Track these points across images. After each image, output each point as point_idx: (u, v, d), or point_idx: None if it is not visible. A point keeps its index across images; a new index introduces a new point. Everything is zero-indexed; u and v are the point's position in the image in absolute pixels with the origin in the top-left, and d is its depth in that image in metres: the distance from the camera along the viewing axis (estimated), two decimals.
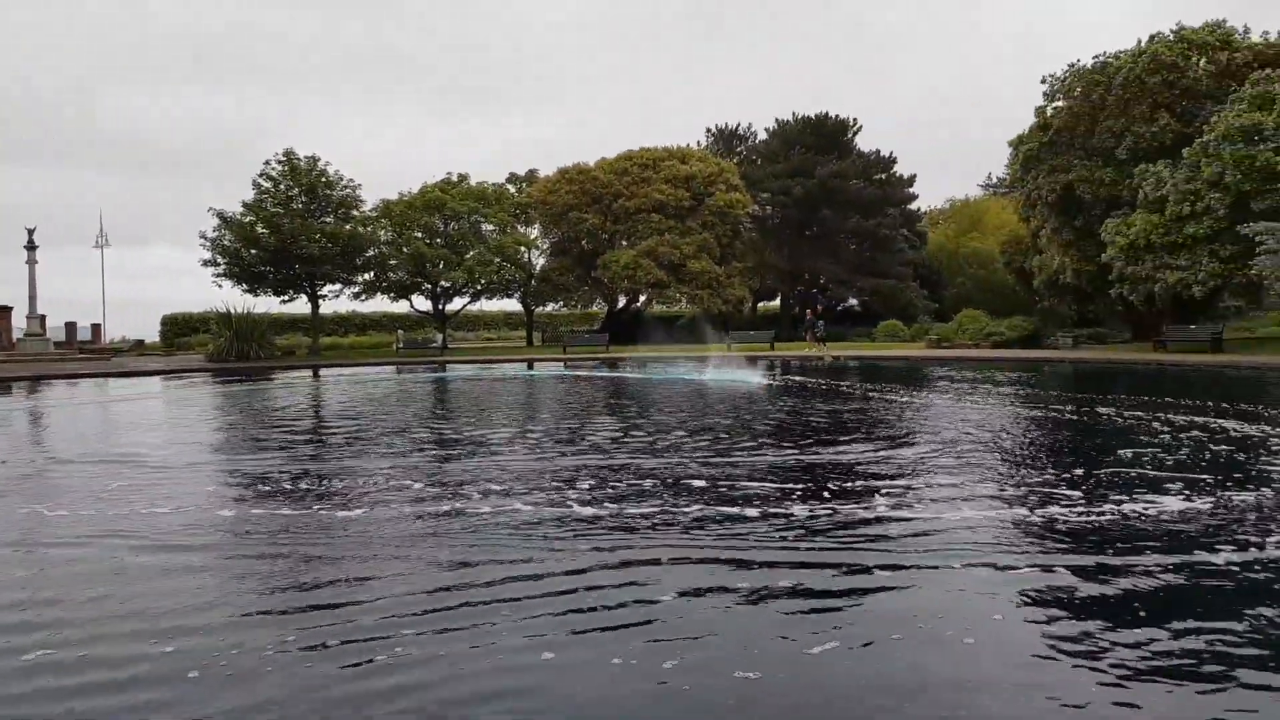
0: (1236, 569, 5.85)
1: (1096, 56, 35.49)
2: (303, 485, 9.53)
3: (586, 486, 9.08)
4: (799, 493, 8.55)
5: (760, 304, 55.84)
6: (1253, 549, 6.26)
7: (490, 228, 45.87)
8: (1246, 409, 15.15)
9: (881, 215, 49.40)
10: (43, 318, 44.33)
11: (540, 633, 4.86)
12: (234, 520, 7.86)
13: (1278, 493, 8.30)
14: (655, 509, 7.88)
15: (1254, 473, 9.51)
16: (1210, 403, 16.31)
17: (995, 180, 66.33)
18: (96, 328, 53.19)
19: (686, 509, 7.83)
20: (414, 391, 25.25)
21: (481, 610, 5.23)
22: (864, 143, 52.16)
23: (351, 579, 5.99)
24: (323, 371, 35.97)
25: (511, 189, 48.31)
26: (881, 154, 50.87)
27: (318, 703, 4.08)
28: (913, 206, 53.51)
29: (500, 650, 4.65)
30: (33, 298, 43.75)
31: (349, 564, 6.37)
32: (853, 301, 53.50)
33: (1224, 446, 11.19)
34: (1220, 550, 6.20)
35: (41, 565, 6.62)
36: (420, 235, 44.30)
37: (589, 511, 7.84)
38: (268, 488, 9.48)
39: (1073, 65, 36.13)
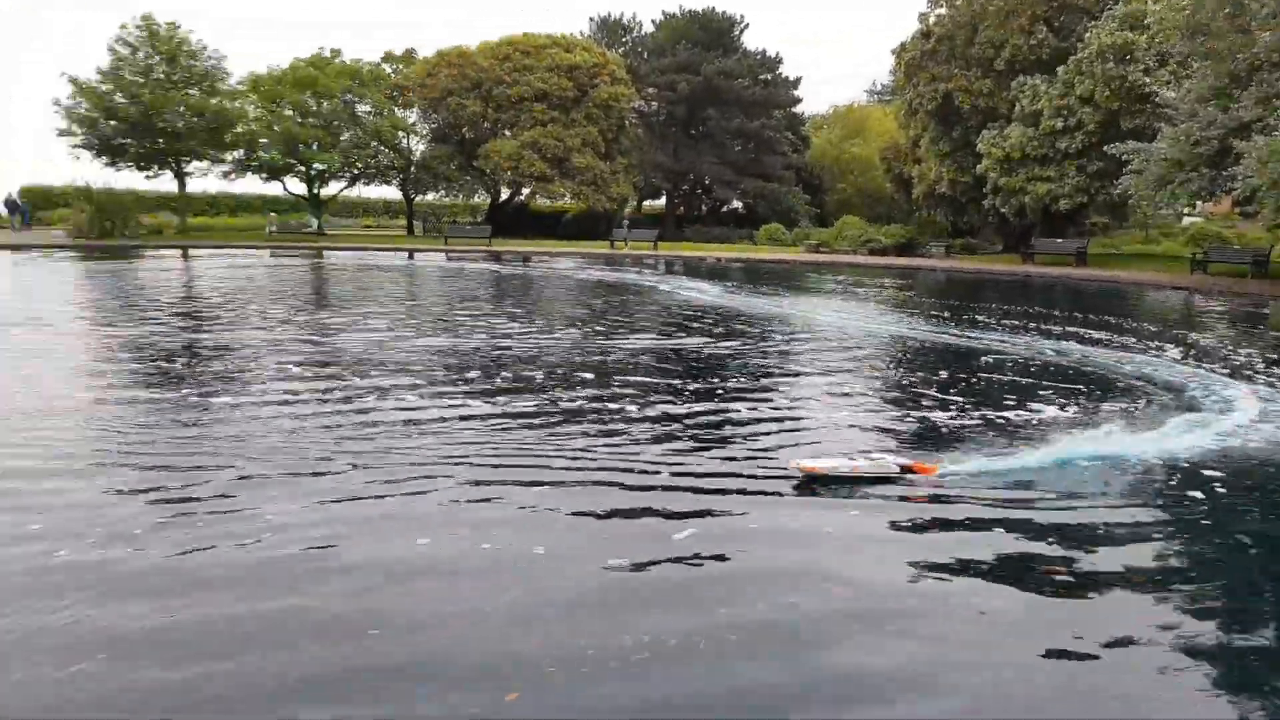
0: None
1: None
2: None
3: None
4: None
5: (645, 202, 55.98)
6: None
7: (366, 109, 44.39)
8: (1095, 319, 16.72)
9: (766, 117, 49.74)
10: None
11: None
12: None
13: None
14: None
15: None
16: (1062, 312, 18.09)
17: (880, 87, 67.43)
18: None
19: None
20: (284, 277, 25.06)
21: None
22: (751, 41, 52.10)
23: None
24: (192, 253, 34.91)
25: (388, 69, 46.66)
26: (768, 54, 50.92)
27: None
28: (797, 110, 53.99)
29: None
30: None
31: None
32: (736, 204, 54.18)
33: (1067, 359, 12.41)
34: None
35: None
36: (291, 113, 42.57)
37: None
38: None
39: None
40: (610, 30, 52.84)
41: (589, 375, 10.01)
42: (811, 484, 6.02)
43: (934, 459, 6.61)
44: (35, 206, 46.87)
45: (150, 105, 38.55)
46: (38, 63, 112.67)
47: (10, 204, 45.93)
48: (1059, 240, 35.41)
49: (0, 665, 3.68)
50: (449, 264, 31.86)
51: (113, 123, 39.45)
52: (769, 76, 50.81)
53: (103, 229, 38.25)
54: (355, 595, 4.33)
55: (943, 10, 36.85)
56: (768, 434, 7.56)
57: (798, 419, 8.25)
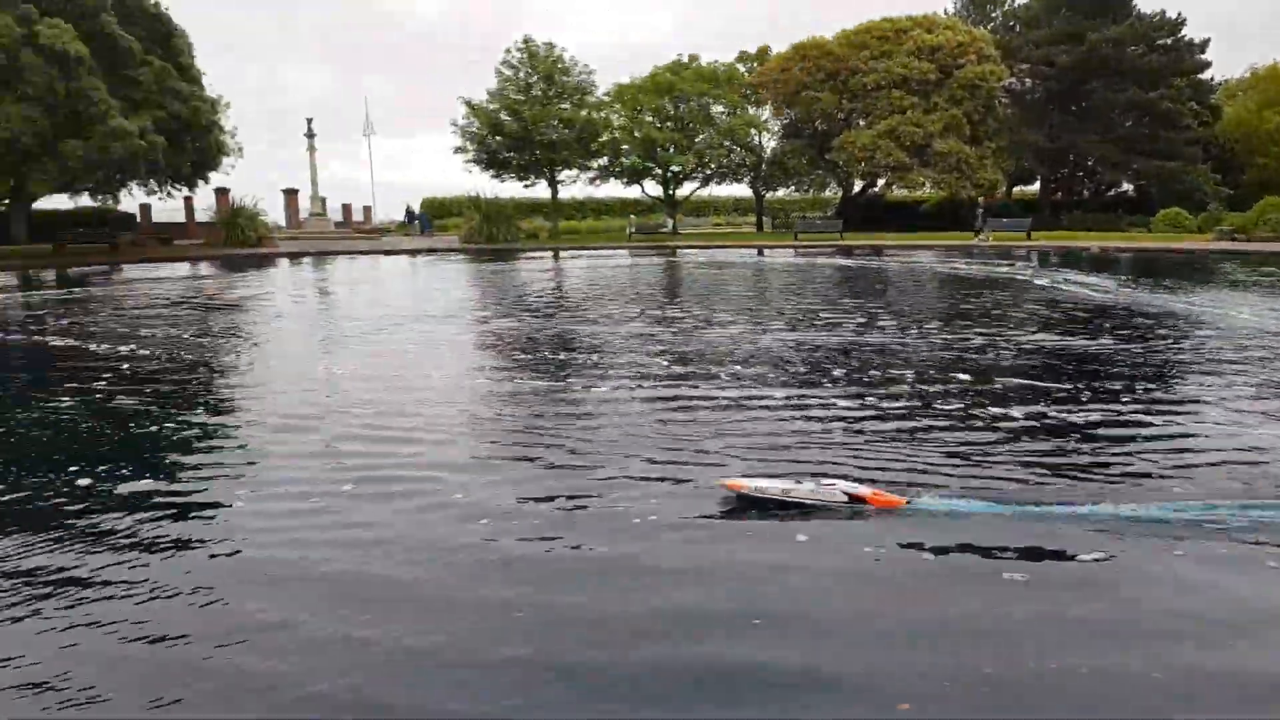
0: None
1: None
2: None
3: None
4: None
5: (1015, 188, 51.31)
6: None
7: (720, 110, 45.11)
8: None
9: (1164, 86, 43.25)
10: (323, 200, 49.46)
11: None
12: None
13: None
14: None
15: None
16: None
17: None
18: (368, 209, 58.82)
19: None
20: (644, 276, 26.10)
21: None
22: (1145, 3, 45.59)
23: None
24: (564, 254, 37.75)
25: (741, 68, 47.01)
26: (1167, 15, 44.22)
27: None
28: (1204, 76, 46.36)
29: None
30: (314, 182, 48.77)
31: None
32: (1126, 187, 47.86)
33: None
34: None
35: None
36: (651, 119, 44.41)
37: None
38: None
39: None
40: (978, 5, 49.05)
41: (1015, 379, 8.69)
42: (751, 505, 5.21)
43: (907, 491, 5.36)
44: (434, 216, 53.62)
45: (530, 120, 42.18)
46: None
47: (410, 214, 53.25)
48: None
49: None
50: (798, 260, 31.20)
51: (498, 138, 43.72)
52: (1168, 41, 44.13)
53: (489, 234, 42.53)
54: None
55: None
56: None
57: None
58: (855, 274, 24.70)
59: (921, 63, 41.18)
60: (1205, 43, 44.78)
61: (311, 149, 48.00)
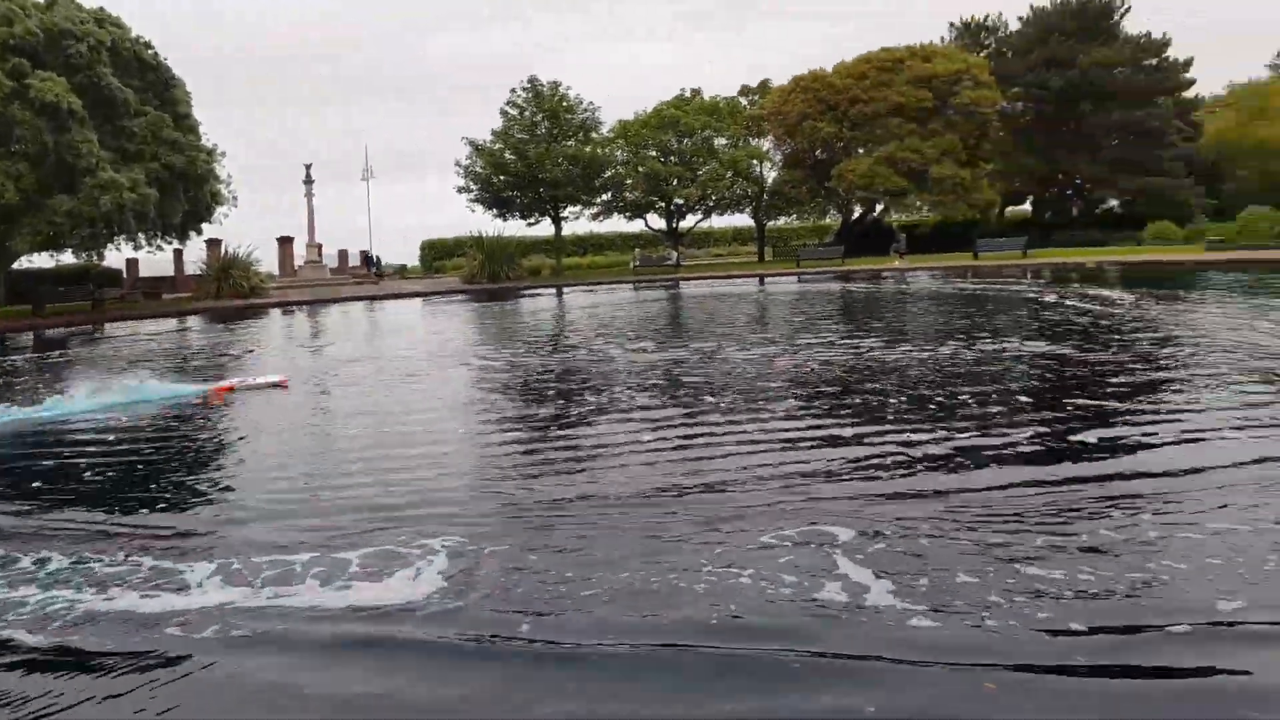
0: None
1: None
2: None
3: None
4: None
5: (1008, 209, 52.25)
6: None
7: (722, 142, 45.42)
8: None
9: (1151, 105, 44.52)
10: (319, 246, 48.54)
11: None
12: None
13: None
14: None
15: None
16: None
17: None
18: (364, 254, 57.90)
19: None
20: (654, 311, 25.93)
21: None
22: (1132, 24, 46.87)
23: None
24: (566, 290, 37.49)
25: (744, 101, 47.47)
26: (1153, 36, 45.51)
27: None
28: (1189, 94, 47.76)
29: None
30: (311, 228, 47.94)
31: None
32: (1113, 203, 48.96)
33: None
34: None
35: None
36: (655, 154, 44.60)
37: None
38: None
39: None
40: (973, 33, 50.12)
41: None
42: None
43: None
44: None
45: (535, 159, 42.04)
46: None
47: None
48: None
49: None
50: (809, 287, 31.40)
51: (502, 177, 43.49)
52: (1154, 61, 45.42)
53: (492, 273, 42.15)
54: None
55: None
56: None
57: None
58: (861, 297, 25.23)
59: (919, 91, 41.88)
60: (1189, 61, 46.18)
61: (310, 194, 47.37)
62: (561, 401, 10.46)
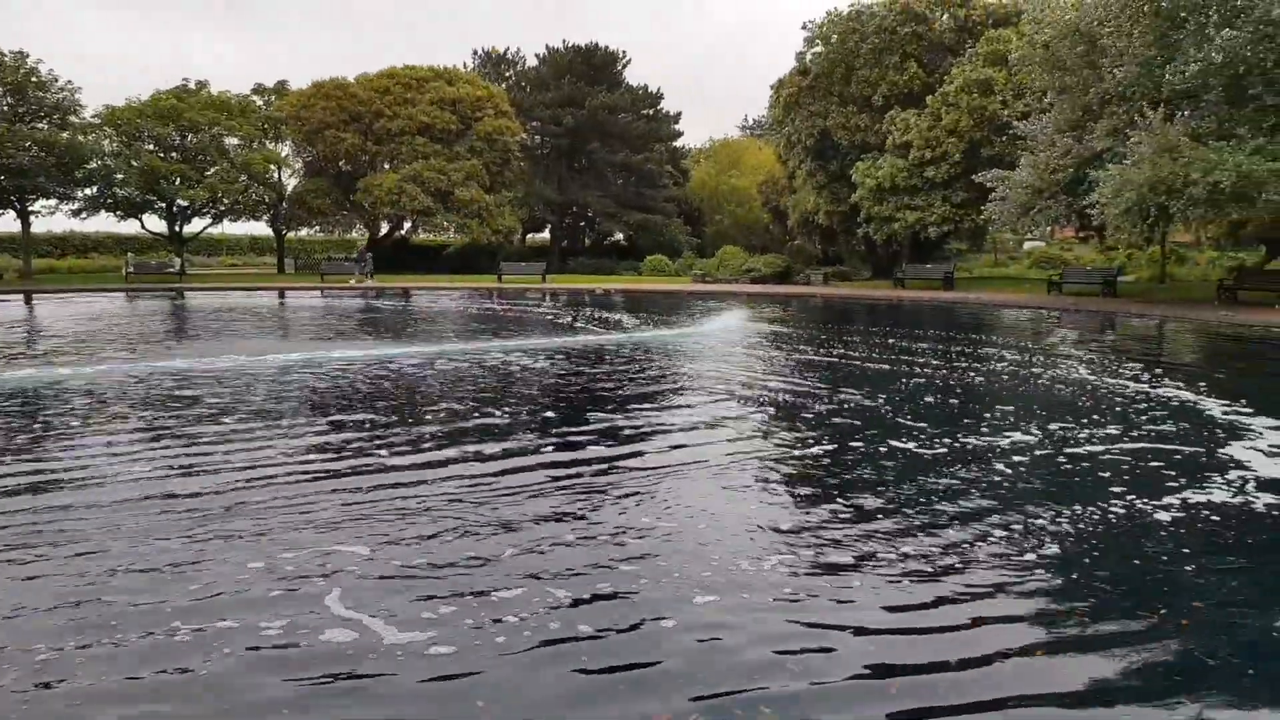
0: None
1: (853, 4, 36.33)
2: None
3: None
4: None
5: (529, 235, 55.56)
6: None
7: (235, 142, 42.28)
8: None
9: (648, 150, 50.34)
10: None
11: None
12: None
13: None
14: None
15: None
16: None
17: (753, 122, 69.45)
18: None
19: None
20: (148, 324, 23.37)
21: None
22: (632, 76, 52.81)
23: None
24: (37, 298, 32.13)
25: (259, 101, 44.69)
26: (649, 89, 51.65)
27: None
28: (678, 144, 54.90)
29: None
30: None
31: None
32: (619, 236, 54.46)
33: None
34: None
35: None
36: (152, 148, 40.13)
37: None
38: None
39: (830, 13, 36.83)
40: (494, 64, 52.47)
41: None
42: None
43: None
44: None
45: None
46: None
47: None
48: (928, 265, 37.35)
49: None
50: (338, 302, 30.49)
51: None
52: (650, 111, 51.50)
53: None
54: None
55: (819, 49, 37.88)
56: None
57: None
58: (385, 313, 25.18)
59: (443, 113, 42.90)
60: (678, 115, 53.07)
61: None
62: None
